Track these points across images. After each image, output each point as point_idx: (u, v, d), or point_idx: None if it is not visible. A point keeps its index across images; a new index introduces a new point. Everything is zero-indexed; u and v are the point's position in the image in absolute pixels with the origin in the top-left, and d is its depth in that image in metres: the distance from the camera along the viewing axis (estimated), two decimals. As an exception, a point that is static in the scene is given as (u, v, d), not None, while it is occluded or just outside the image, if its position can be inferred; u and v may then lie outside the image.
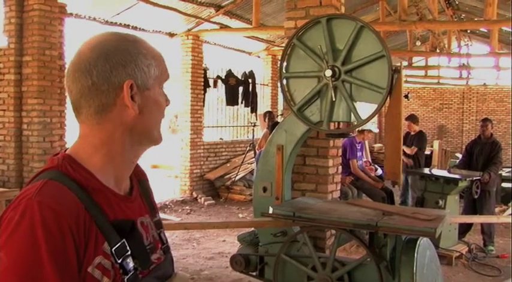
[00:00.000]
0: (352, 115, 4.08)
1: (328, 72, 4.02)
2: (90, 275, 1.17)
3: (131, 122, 1.28)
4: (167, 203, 10.58)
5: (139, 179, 1.47)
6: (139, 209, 1.39)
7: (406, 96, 5.79)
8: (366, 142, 8.80)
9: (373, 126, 7.81)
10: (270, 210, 4.14)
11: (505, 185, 10.86)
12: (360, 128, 7.65)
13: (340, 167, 5.52)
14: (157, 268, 1.37)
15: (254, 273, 4.57)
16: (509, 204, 10.12)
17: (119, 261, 1.22)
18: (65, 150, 1.32)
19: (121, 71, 1.25)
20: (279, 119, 9.95)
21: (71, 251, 1.13)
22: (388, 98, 3.99)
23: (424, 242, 4.05)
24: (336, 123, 4.36)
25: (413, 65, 16.97)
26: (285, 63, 4.34)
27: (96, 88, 1.25)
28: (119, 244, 1.23)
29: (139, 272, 1.28)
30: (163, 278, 1.39)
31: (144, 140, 1.34)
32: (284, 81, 4.33)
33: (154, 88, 1.32)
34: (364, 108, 4.18)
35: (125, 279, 1.24)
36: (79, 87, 1.26)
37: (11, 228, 1.12)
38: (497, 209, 9.06)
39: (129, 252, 1.25)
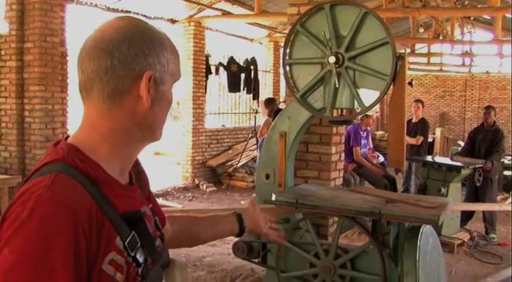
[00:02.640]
0: (356, 102, 4.05)
1: (332, 59, 3.99)
2: (104, 272, 1.14)
3: (142, 114, 1.25)
4: (169, 189, 10.60)
5: (134, 166, 1.42)
6: (141, 198, 1.36)
7: (410, 83, 5.80)
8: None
9: (371, 111, 7.79)
10: (273, 197, 4.13)
11: (507, 173, 10.87)
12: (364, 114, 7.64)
13: (343, 154, 5.51)
14: (160, 256, 1.36)
15: (256, 260, 4.56)
16: (511, 192, 10.12)
17: (132, 254, 1.21)
18: (65, 138, 1.28)
19: (142, 60, 1.23)
20: (281, 106, 9.92)
21: (82, 250, 1.10)
22: (392, 85, 3.97)
23: (427, 230, 4.04)
24: (339, 110, 4.34)
25: (416, 52, 16.91)
26: (288, 50, 4.31)
27: (114, 71, 1.21)
28: (130, 237, 1.21)
29: (149, 263, 1.27)
30: (164, 266, 1.38)
31: (149, 135, 1.32)
32: (287, 68, 4.31)
33: (169, 85, 1.30)
34: (368, 95, 4.16)
35: (139, 272, 1.23)
36: (96, 66, 1.22)
37: (17, 225, 1.07)
38: (499, 197, 9.07)
39: (139, 244, 1.24)
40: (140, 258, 1.24)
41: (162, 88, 1.28)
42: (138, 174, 1.43)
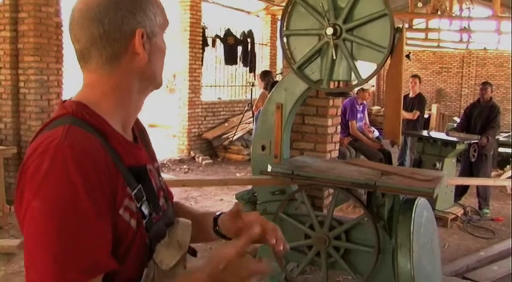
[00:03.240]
0: (353, 74, 4.04)
1: (330, 31, 3.96)
2: (121, 217, 1.20)
3: (141, 69, 1.31)
4: (165, 162, 10.62)
5: (140, 127, 1.49)
6: (145, 156, 1.41)
7: (408, 56, 5.78)
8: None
9: (368, 85, 7.78)
10: (269, 168, 4.14)
11: (501, 149, 10.89)
12: (360, 87, 7.62)
13: (339, 127, 5.51)
14: (164, 214, 1.40)
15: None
16: (506, 168, 10.17)
17: (138, 205, 1.26)
18: (70, 99, 1.32)
19: (131, 19, 1.27)
20: (277, 79, 9.88)
21: (107, 193, 1.16)
22: (389, 57, 3.95)
23: (421, 202, 4.06)
24: (336, 82, 4.33)
25: (414, 27, 16.80)
26: (285, 21, 4.27)
27: (108, 37, 1.25)
28: (137, 189, 1.27)
29: (154, 217, 1.32)
30: (169, 224, 1.41)
31: (150, 85, 1.37)
32: (284, 39, 4.28)
33: (160, 35, 1.36)
34: (365, 68, 4.15)
35: (144, 223, 1.28)
36: (89, 35, 1.26)
37: (42, 174, 1.12)
38: (493, 174, 9.11)
39: (145, 198, 1.29)
40: (145, 210, 1.29)
41: (155, 40, 1.33)
42: (141, 134, 1.48)
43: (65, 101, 1.32)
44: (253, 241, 1.35)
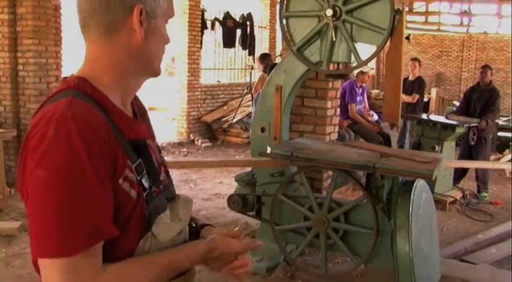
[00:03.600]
0: (352, 56, 4.03)
1: (329, 12, 3.95)
2: (120, 187, 1.24)
3: (137, 47, 1.34)
4: (164, 145, 10.62)
5: (139, 105, 1.54)
6: (145, 131, 1.45)
7: (407, 38, 5.75)
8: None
9: (367, 67, 7.76)
10: (268, 150, 4.14)
11: (501, 134, 10.89)
12: (360, 70, 7.60)
13: (338, 109, 5.51)
14: (165, 189, 1.45)
15: (251, 213, 4.61)
16: (505, 152, 10.18)
17: (139, 178, 1.30)
18: (72, 75, 1.36)
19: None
20: (277, 61, 9.84)
21: (107, 162, 1.20)
22: (389, 39, 3.94)
23: (420, 184, 4.07)
24: (336, 64, 4.32)
25: (414, 10, 16.73)
26: (285, 2, 4.25)
27: (108, 6, 1.30)
28: (137, 162, 1.31)
29: (153, 190, 1.36)
30: (170, 199, 1.46)
31: (146, 68, 1.40)
32: (284, 21, 4.26)
33: (161, 20, 1.39)
34: (365, 50, 4.14)
35: (144, 195, 1.32)
36: (90, 3, 1.31)
37: (46, 144, 1.16)
38: (492, 157, 9.11)
39: (145, 171, 1.33)
40: (145, 183, 1.33)
41: (155, 22, 1.36)
42: (140, 111, 1.51)
43: (66, 77, 1.35)
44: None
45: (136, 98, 1.51)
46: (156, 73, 1.43)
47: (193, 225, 1.62)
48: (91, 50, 1.35)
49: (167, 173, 1.51)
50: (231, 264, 1.45)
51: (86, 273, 1.17)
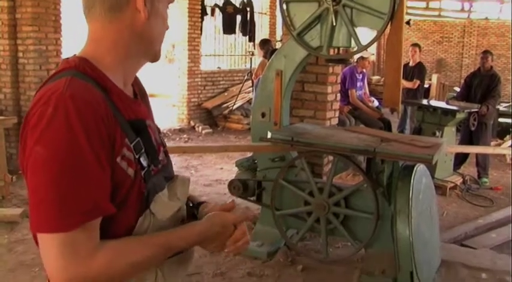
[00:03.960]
0: (353, 41, 4.02)
1: (330, -4, 3.94)
2: (118, 165, 1.27)
3: (140, 27, 1.36)
4: (165, 131, 10.62)
5: (139, 88, 1.54)
6: (145, 111, 1.48)
7: (408, 23, 5.73)
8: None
9: (367, 53, 7.75)
10: (269, 135, 4.14)
11: (502, 120, 10.88)
12: (360, 56, 7.58)
13: (338, 95, 5.50)
14: (164, 168, 1.47)
15: (252, 199, 4.62)
16: (505, 138, 10.17)
17: (137, 156, 1.33)
18: (74, 55, 1.38)
19: None
20: (277, 47, 9.81)
21: (105, 141, 1.23)
22: (389, 24, 3.93)
23: (420, 169, 4.08)
24: (336, 49, 4.32)
25: (415, -4, 16.68)
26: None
27: None
28: (135, 141, 1.33)
29: (152, 169, 1.39)
30: (168, 179, 1.48)
31: (147, 50, 1.42)
32: (284, 6, 4.25)
33: (164, 3, 1.42)
34: (365, 35, 4.13)
35: (142, 174, 1.34)
36: None
37: (44, 122, 1.18)
38: (492, 143, 9.11)
39: (143, 150, 1.36)
40: (144, 162, 1.35)
41: (158, 4, 1.38)
42: (141, 92, 1.53)
43: (68, 58, 1.37)
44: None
45: (137, 79, 1.53)
46: (156, 56, 1.45)
47: (191, 204, 1.64)
48: (94, 30, 1.37)
49: (166, 153, 1.53)
50: (233, 236, 1.46)
51: (84, 248, 1.20)
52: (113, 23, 1.34)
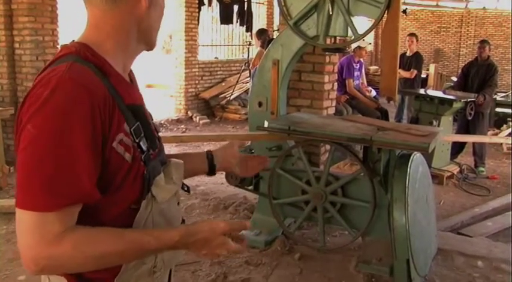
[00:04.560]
0: (349, 30, 4.02)
1: (326, -15, 3.94)
2: (114, 150, 1.29)
3: (140, 16, 1.39)
4: (162, 122, 10.63)
5: (131, 74, 1.55)
6: (140, 97, 1.50)
7: (404, 12, 5.74)
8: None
9: (364, 42, 7.72)
10: (266, 124, 4.15)
11: (499, 109, 10.90)
12: (357, 45, 7.57)
13: (335, 84, 5.50)
14: (159, 153, 1.50)
15: (249, 188, 4.63)
16: (502, 128, 10.20)
17: (137, 140, 1.36)
18: (73, 41, 1.40)
19: None
20: (274, 36, 9.80)
21: (97, 126, 1.24)
22: (386, 12, 3.93)
23: (417, 158, 4.10)
24: (333, 38, 4.32)
25: (412, -15, 16.64)
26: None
27: None
28: (135, 125, 1.36)
29: (151, 153, 1.42)
30: (163, 163, 1.50)
31: (145, 37, 1.44)
32: (281, -5, 4.25)
33: None
34: (362, 24, 4.13)
35: (142, 157, 1.37)
36: None
37: (40, 103, 1.21)
38: (489, 133, 9.13)
39: (143, 134, 1.39)
40: (144, 146, 1.38)
41: None
42: (131, 78, 1.54)
43: (67, 44, 1.39)
44: None
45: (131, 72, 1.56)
46: (152, 44, 1.48)
47: (185, 188, 1.68)
48: (94, 16, 1.38)
49: (159, 139, 1.54)
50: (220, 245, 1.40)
51: (52, 231, 1.21)
52: (114, 10, 1.36)
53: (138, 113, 1.39)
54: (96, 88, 1.26)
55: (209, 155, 1.86)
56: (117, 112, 1.30)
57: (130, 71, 1.53)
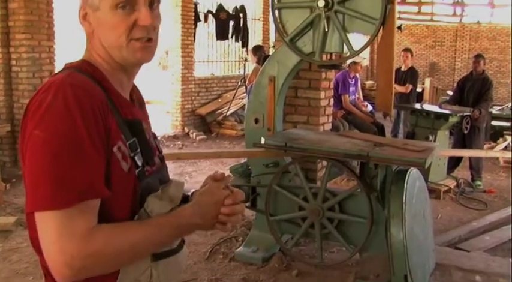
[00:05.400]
0: (345, 46, 4.05)
1: (321, 3, 3.96)
2: (114, 155, 1.32)
3: (97, 36, 1.42)
4: (159, 138, 10.58)
5: (137, 94, 1.60)
6: (141, 115, 1.53)
7: (399, 28, 5.77)
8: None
9: (359, 57, 7.75)
10: (262, 141, 4.16)
11: (494, 123, 10.93)
12: (352, 60, 7.60)
13: (331, 100, 5.52)
14: (159, 171, 1.51)
15: (246, 204, 4.62)
16: (498, 141, 10.22)
17: (132, 155, 1.37)
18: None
19: None
20: (270, 52, 9.83)
21: (101, 128, 1.28)
22: (381, 29, 3.95)
23: (413, 173, 4.10)
24: (328, 55, 4.34)
25: (407, 0, 16.74)
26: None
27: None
28: (131, 140, 1.38)
29: (146, 170, 1.42)
30: (163, 182, 1.50)
31: (114, 56, 1.42)
32: (276, 12, 4.27)
33: (104, 9, 1.38)
34: (357, 40, 4.15)
35: (136, 172, 1.38)
36: None
37: (44, 107, 1.25)
38: (485, 146, 9.15)
39: (139, 150, 1.40)
40: (139, 161, 1.39)
41: (98, 14, 1.39)
42: (139, 103, 1.60)
43: (69, 62, 1.46)
44: None
45: (136, 89, 1.59)
46: (121, 59, 1.42)
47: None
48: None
49: (162, 159, 1.56)
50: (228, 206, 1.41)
51: (79, 228, 1.23)
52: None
53: (136, 128, 1.42)
54: (95, 93, 1.31)
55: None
56: (114, 122, 1.34)
57: (137, 93, 1.59)
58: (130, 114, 1.42)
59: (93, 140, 1.25)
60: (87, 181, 1.24)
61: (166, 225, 1.36)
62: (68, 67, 1.40)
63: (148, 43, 1.41)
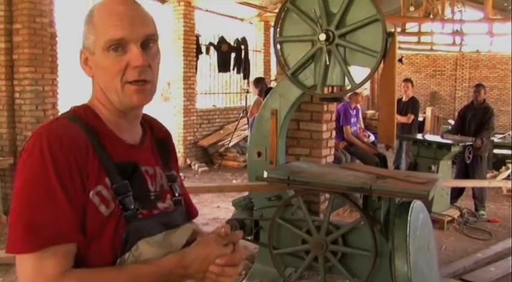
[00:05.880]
0: (346, 79, 4.08)
1: (322, 36, 4.00)
2: (90, 200, 1.33)
3: (96, 80, 1.46)
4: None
5: (161, 137, 1.64)
6: (147, 159, 1.52)
7: (400, 60, 5.82)
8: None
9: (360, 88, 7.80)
10: (265, 174, 4.16)
11: (496, 151, 10.92)
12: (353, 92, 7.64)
13: (334, 132, 5.54)
14: (163, 215, 1.48)
15: (249, 238, 4.61)
16: (501, 170, 10.20)
17: (118, 198, 1.37)
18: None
19: (83, 38, 1.45)
20: (272, 85, 9.89)
21: (75, 175, 1.31)
22: (382, 62, 3.99)
23: (417, 205, 4.09)
24: (330, 88, 4.36)
25: (407, 31, 16.85)
26: (278, 28, 4.31)
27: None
28: (120, 183, 1.38)
29: (140, 213, 1.41)
30: (170, 226, 1.47)
31: (112, 100, 1.44)
32: (278, 46, 4.31)
33: (98, 52, 1.40)
34: (358, 73, 4.19)
35: (124, 215, 1.37)
36: None
37: (25, 156, 1.32)
38: (488, 175, 9.13)
39: (130, 193, 1.40)
40: (130, 204, 1.39)
41: (95, 58, 1.42)
42: (163, 145, 1.63)
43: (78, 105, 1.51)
44: None
45: (159, 127, 1.66)
46: (122, 104, 1.42)
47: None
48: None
49: (177, 202, 1.57)
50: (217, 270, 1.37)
51: (51, 272, 1.27)
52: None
53: (128, 171, 1.42)
54: (71, 140, 1.33)
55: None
56: (98, 166, 1.35)
57: (162, 132, 1.65)
58: (123, 156, 1.43)
59: (64, 187, 1.29)
60: (56, 227, 1.28)
61: (146, 274, 1.33)
62: (67, 112, 1.46)
63: (143, 86, 1.40)
